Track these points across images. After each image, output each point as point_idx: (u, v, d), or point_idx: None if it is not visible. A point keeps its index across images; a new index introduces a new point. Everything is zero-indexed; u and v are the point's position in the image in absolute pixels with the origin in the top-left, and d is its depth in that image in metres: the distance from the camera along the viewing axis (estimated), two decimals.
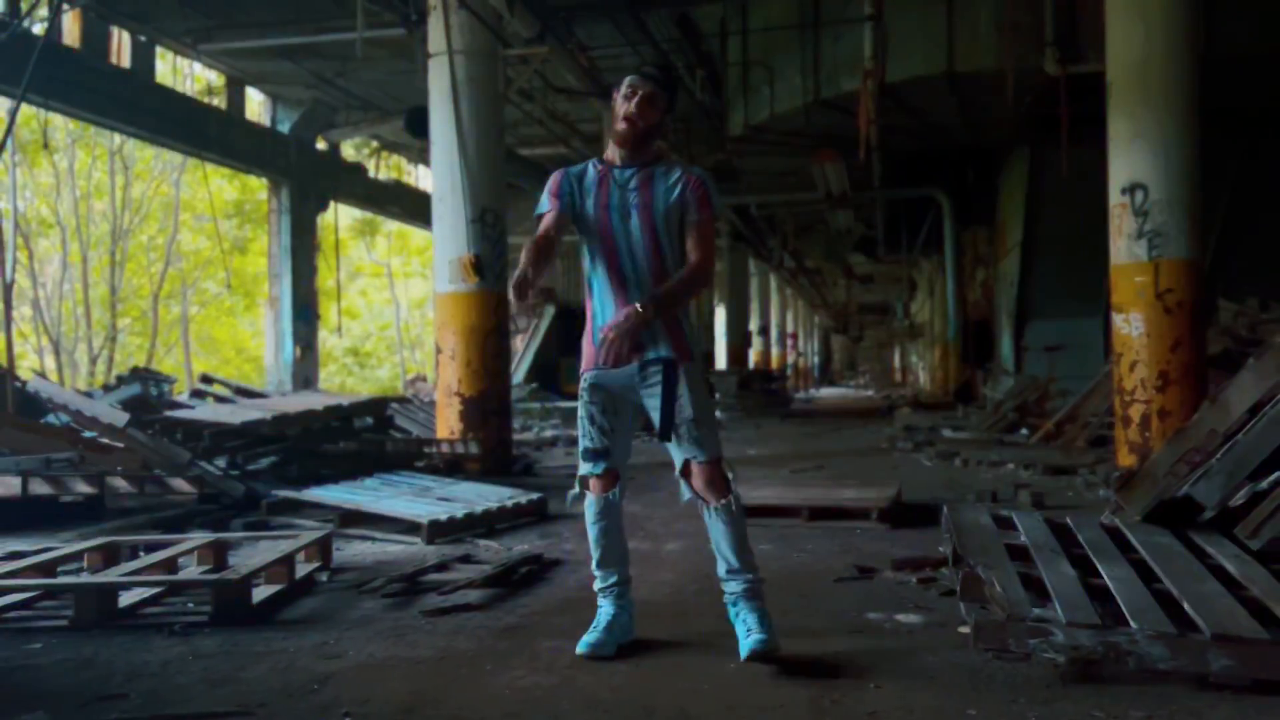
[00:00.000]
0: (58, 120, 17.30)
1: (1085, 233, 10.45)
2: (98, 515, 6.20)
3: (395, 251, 28.78)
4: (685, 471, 3.24)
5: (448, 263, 9.03)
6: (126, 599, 3.98)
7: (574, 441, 12.79)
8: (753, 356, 30.81)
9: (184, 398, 10.59)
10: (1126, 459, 7.38)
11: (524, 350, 21.19)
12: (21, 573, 4.21)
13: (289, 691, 2.95)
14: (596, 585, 3.39)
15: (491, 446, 8.91)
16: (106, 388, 12.08)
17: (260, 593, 4.11)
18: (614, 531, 3.35)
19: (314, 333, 17.05)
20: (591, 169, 3.36)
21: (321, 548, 4.84)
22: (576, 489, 3.37)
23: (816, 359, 54.68)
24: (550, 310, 21.60)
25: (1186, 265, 7.36)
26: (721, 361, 27.05)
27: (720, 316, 26.40)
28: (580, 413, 3.32)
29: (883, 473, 8.46)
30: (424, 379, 20.70)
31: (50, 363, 20.11)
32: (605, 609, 3.34)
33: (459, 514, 5.80)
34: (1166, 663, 2.72)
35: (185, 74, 15.31)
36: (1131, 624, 2.80)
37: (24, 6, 10.50)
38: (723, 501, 3.17)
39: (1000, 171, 15.93)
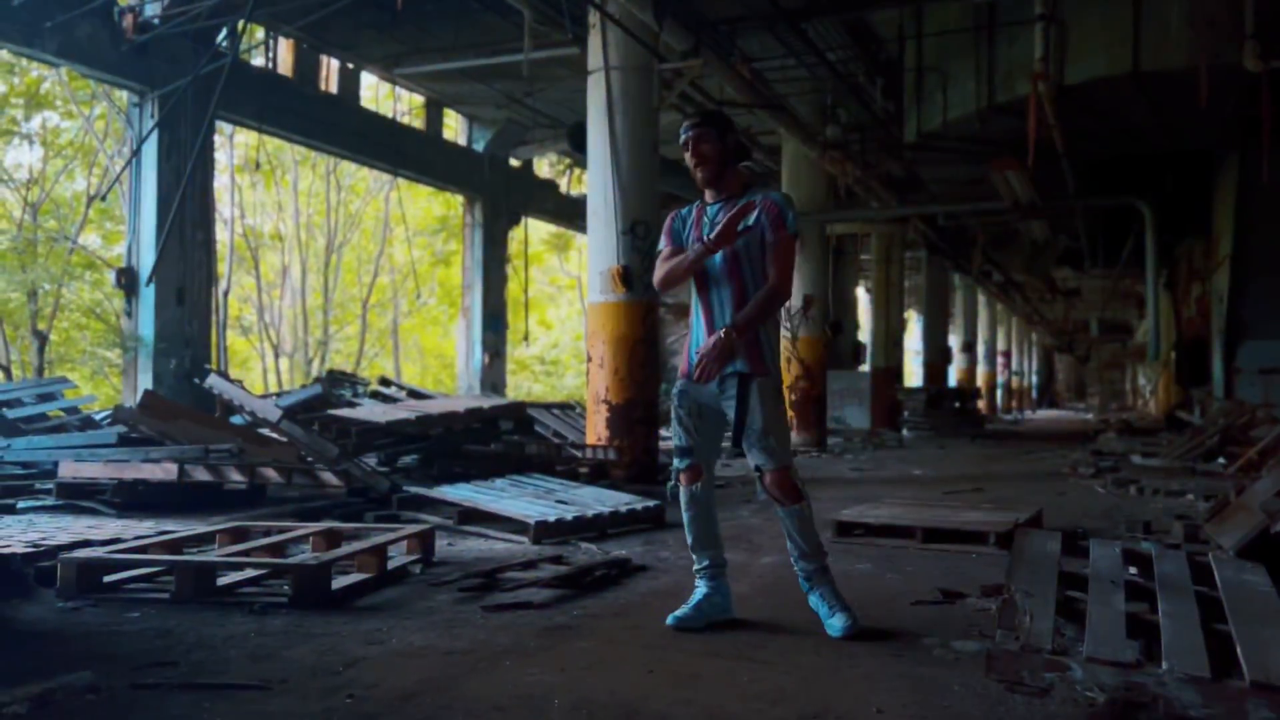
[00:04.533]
0: (284, 144, 18.81)
1: None
2: (254, 503, 6.74)
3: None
4: (761, 477, 3.65)
5: (599, 273, 9.23)
6: (228, 578, 4.33)
7: (734, 456, 12.92)
8: (955, 374, 29.43)
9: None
10: None
11: None
12: (150, 548, 4.67)
13: (316, 671, 3.12)
14: (695, 568, 3.81)
15: (636, 454, 9.01)
16: (305, 388, 13.03)
17: (346, 580, 4.36)
18: (703, 519, 3.77)
19: (502, 341, 17.76)
20: (693, 209, 3.83)
21: (422, 541, 5.08)
22: (673, 481, 3.84)
23: (1035, 378, 51.75)
24: None
25: None
26: (917, 378, 25.92)
27: (915, 331, 25.25)
28: (672, 416, 3.79)
29: (1043, 498, 7.94)
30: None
31: (271, 365, 21.97)
32: (699, 589, 3.77)
33: (569, 516, 5.92)
34: (1198, 709, 2.45)
35: (396, 97, 16.40)
36: (1164, 664, 2.54)
37: (243, 40, 11.51)
38: (794, 506, 3.61)
39: (1210, 178, 14.63)
